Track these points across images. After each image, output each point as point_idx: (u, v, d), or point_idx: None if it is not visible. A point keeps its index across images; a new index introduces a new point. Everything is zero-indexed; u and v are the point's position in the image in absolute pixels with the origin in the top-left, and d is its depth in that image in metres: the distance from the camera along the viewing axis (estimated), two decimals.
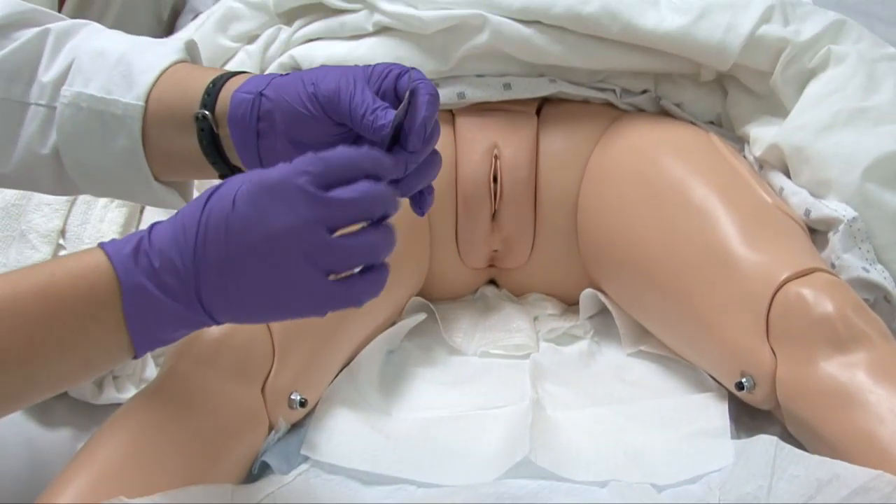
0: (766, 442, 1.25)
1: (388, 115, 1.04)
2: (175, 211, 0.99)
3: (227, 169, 1.15)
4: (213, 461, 1.24)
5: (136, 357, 0.99)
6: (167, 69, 1.16)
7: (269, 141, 1.10)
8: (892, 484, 1.13)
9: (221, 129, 1.12)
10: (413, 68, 1.10)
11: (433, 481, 1.29)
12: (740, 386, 1.37)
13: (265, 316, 1.01)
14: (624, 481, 1.29)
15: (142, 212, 1.54)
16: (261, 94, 1.10)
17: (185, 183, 1.24)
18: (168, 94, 1.15)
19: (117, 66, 1.16)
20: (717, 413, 1.42)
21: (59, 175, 1.19)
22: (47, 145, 1.17)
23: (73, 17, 1.77)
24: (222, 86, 1.13)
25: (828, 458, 1.20)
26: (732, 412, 1.42)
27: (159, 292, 0.95)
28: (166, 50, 1.19)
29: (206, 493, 1.20)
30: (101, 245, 0.98)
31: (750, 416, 1.43)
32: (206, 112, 1.12)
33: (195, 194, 1.25)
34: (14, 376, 0.93)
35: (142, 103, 1.14)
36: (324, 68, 1.11)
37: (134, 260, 0.96)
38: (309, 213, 0.93)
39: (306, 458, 1.32)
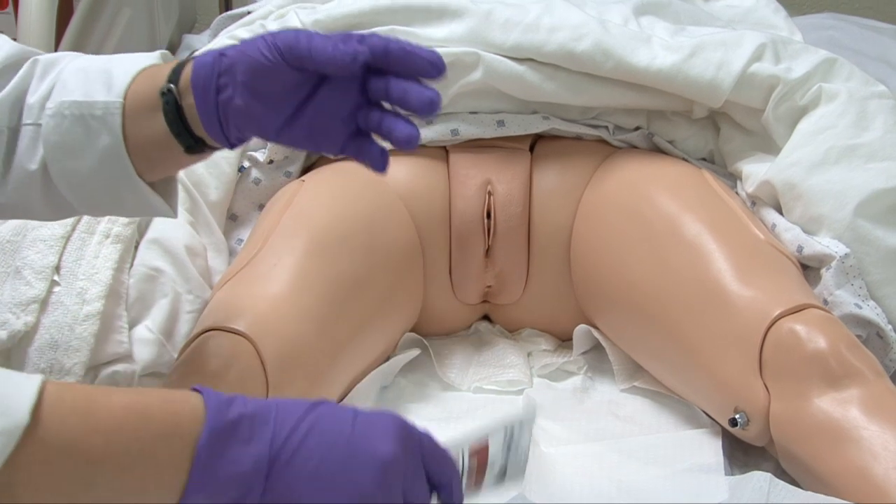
0: (759, 478, 1.25)
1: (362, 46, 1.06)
2: None
3: (191, 140, 1.14)
4: None
5: None
6: (144, 69, 1.18)
7: (228, 93, 1.10)
8: None
9: (185, 101, 1.12)
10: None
11: None
12: (734, 422, 1.37)
13: None
14: None
15: (136, 247, 1.54)
16: (221, 53, 1.11)
17: (170, 189, 1.24)
18: (142, 87, 1.15)
19: (98, 75, 1.17)
20: (710, 449, 1.42)
21: (48, 191, 1.19)
22: (35, 160, 1.17)
23: (76, 36, 1.78)
24: (187, 62, 1.14)
25: (821, 495, 1.20)
26: (726, 448, 1.42)
27: (239, 444, 0.88)
28: (143, 56, 1.21)
29: None
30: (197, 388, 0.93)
31: (743, 451, 1.43)
32: (171, 86, 1.13)
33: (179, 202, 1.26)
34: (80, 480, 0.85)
35: (120, 99, 1.14)
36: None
37: (227, 405, 0.90)
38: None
39: None
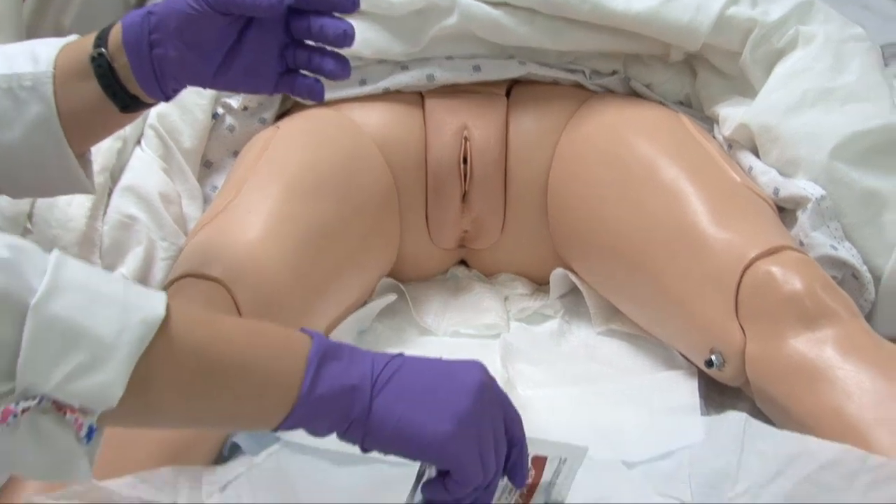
0: (735, 418, 1.26)
1: None
2: None
3: (127, 98, 1.18)
4: (185, 442, 1.24)
5: (277, 428, 0.92)
6: (66, 45, 1.19)
7: (161, 49, 1.14)
8: (860, 458, 1.14)
9: (118, 62, 1.16)
10: None
11: (404, 461, 1.28)
12: (710, 363, 1.37)
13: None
14: (595, 458, 1.29)
15: (109, 195, 1.53)
16: (148, 12, 1.15)
17: (87, 169, 1.25)
18: (68, 57, 1.17)
19: (20, 53, 1.19)
20: (686, 390, 1.43)
21: None
22: None
23: (34, 12, 1.76)
24: (111, 28, 1.17)
25: (796, 434, 1.21)
26: (702, 389, 1.43)
27: (344, 363, 0.93)
28: (62, 38, 1.22)
29: (177, 473, 1.20)
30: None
31: (719, 392, 1.44)
32: (101, 50, 1.16)
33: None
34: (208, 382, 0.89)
35: (51, 69, 1.17)
36: None
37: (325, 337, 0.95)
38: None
39: (277, 439, 1.31)
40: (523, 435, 0.97)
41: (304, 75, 1.20)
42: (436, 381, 0.93)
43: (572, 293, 1.66)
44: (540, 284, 1.70)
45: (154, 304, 0.84)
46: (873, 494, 1.13)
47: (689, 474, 1.26)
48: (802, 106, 1.55)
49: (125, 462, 1.15)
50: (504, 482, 0.98)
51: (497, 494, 0.98)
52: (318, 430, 0.92)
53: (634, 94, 1.71)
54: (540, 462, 1.01)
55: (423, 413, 0.91)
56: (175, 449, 1.22)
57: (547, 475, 1.02)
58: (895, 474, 1.12)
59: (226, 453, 1.31)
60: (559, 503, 1.02)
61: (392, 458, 1.27)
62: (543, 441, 1.00)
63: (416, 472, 0.97)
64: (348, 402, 0.90)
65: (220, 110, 1.71)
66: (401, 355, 0.94)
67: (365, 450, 0.93)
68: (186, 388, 0.86)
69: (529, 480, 1.01)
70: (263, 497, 1.23)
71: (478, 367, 0.95)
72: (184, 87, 1.20)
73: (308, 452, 1.30)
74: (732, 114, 1.63)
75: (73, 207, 1.48)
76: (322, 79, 1.20)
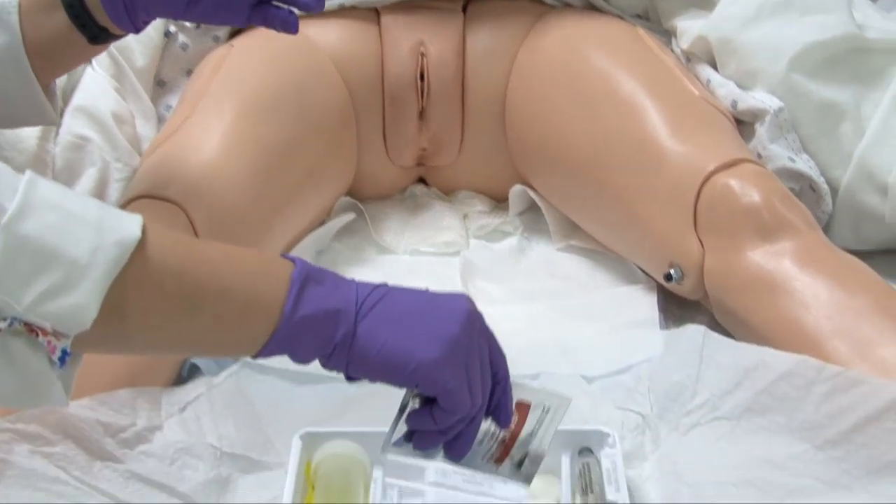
0: (694, 331, 1.27)
1: None
2: None
3: (96, 30, 1.17)
4: (144, 364, 1.23)
5: (259, 353, 0.90)
6: None
7: None
8: (816, 368, 1.15)
9: None
10: None
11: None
12: (669, 277, 1.38)
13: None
14: (554, 373, 1.30)
15: (61, 116, 1.51)
16: None
17: (53, 100, 1.24)
18: None
19: None
20: (646, 304, 1.43)
21: None
22: None
23: None
24: None
25: (754, 345, 1.21)
26: (661, 303, 1.44)
27: (327, 288, 0.91)
28: None
29: (136, 395, 1.19)
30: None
31: (678, 306, 1.45)
32: None
33: None
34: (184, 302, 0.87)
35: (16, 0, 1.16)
36: None
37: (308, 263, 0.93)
38: None
39: (236, 359, 1.31)
40: (507, 373, 0.97)
41: (277, 6, 1.19)
42: (422, 308, 0.92)
43: (531, 210, 1.66)
44: (499, 202, 1.70)
45: (130, 225, 0.82)
46: (829, 404, 1.14)
47: (649, 387, 1.27)
48: (760, 17, 1.54)
49: (83, 384, 1.13)
50: (487, 425, 0.98)
51: (480, 436, 0.97)
52: (300, 355, 0.90)
53: (592, 8, 1.69)
54: (523, 409, 1.00)
55: (410, 338, 0.89)
56: (134, 370, 1.21)
57: (529, 425, 1.01)
58: (851, 384, 1.13)
59: (185, 374, 1.31)
60: (540, 455, 1.02)
61: None
62: (527, 386, 0.99)
63: (382, 394, 0.95)
64: (332, 326, 0.88)
65: (173, 28, 1.68)
66: (385, 284, 0.93)
67: (350, 377, 0.92)
68: (164, 312, 0.84)
69: (512, 426, 1.00)
70: (223, 417, 1.22)
71: (465, 298, 0.94)
72: (154, 18, 1.19)
73: (268, 372, 1.30)
74: (690, 26, 1.61)
75: (24, 129, 1.46)
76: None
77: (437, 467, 1.15)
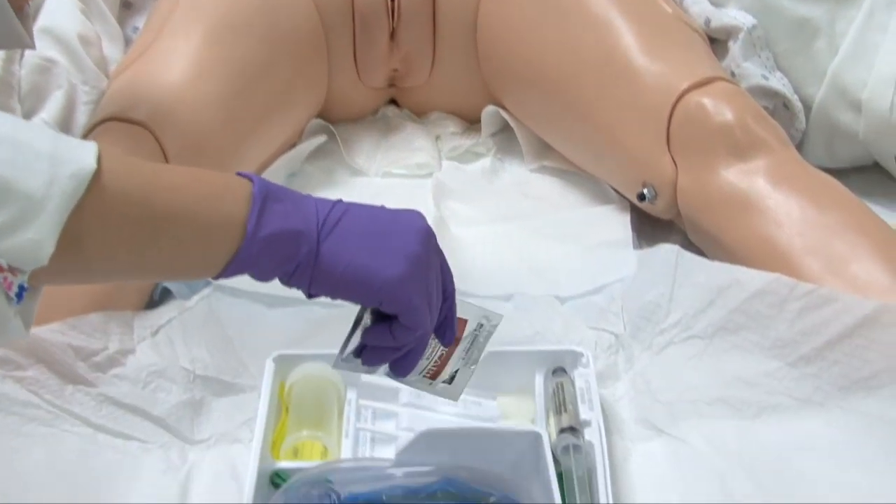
0: (667, 251, 1.27)
1: None
2: None
3: None
4: (115, 288, 1.22)
5: (222, 274, 0.88)
6: None
7: None
8: (789, 286, 1.15)
9: None
10: None
11: (337, 302, 1.28)
12: (642, 196, 1.37)
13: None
14: (528, 294, 1.30)
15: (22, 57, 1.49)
16: None
17: (27, 24, 1.20)
18: None
19: None
20: (619, 224, 1.43)
21: None
22: None
23: None
24: None
25: (727, 264, 1.21)
26: (634, 223, 1.44)
27: (287, 205, 0.88)
28: None
29: (107, 319, 1.19)
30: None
31: (651, 225, 1.45)
32: None
33: None
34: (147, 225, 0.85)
35: None
36: None
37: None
38: None
39: (208, 283, 1.31)
40: (454, 290, 0.96)
41: None
42: (382, 226, 0.90)
43: (504, 131, 1.65)
44: (471, 123, 1.68)
45: (84, 156, 0.79)
46: (802, 322, 1.14)
47: (622, 307, 1.28)
48: None
49: (53, 309, 1.13)
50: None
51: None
52: (263, 274, 0.88)
53: None
54: (461, 324, 1.00)
55: (374, 257, 0.88)
56: (105, 294, 1.21)
57: (465, 340, 1.01)
58: (823, 301, 1.14)
59: (156, 298, 1.30)
60: (470, 372, 1.02)
61: (325, 299, 1.28)
62: (463, 301, 0.99)
63: (353, 315, 0.95)
64: (295, 244, 0.87)
65: None
66: (341, 201, 0.92)
67: (311, 295, 0.91)
68: (124, 241, 0.82)
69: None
70: (196, 341, 1.22)
71: (420, 215, 0.93)
72: None
73: (240, 295, 1.29)
74: None
75: None
76: None
77: (410, 389, 1.15)
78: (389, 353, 0.92)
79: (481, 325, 1.01)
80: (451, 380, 1.01)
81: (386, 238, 0.88)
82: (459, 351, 1.00)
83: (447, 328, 0.95)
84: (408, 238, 0.89)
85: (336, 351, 0.93)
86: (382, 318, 0.90)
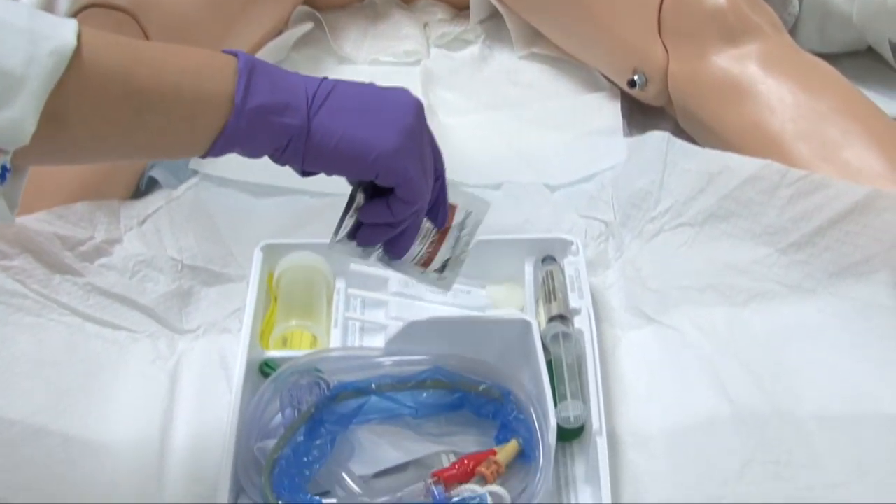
0: (657, 138, 1.26)
1: None
2: None
3: None
4: (101, 176, 1.21)
5: (211, 150, 0.86)
6: None
7: None
8: (780, 172, 1.15)
9: None
10: None
11: (327, 190, 1.27)
12: (633, 83, 1.36)
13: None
14: (517, 182, 1.29)
15: None
16: None
17: None
18: None
19: None
20: (609, 112, 1.42)
21: None
22: None
23: None
24: None
25: (718, 151, 1.21)
26: (625, 110, 1.42)
27: (276, 79, 0.86)
28: None
29: (94, 208, 1.18)
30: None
31: (642, 113, 1.43)
32: None
33: None
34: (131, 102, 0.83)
35: None
36: None
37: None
38: None
39: (195, 172, 1.30)
40: (444, 170, 0.95)
41: None
42: (372, 100, 0.89)
43: (493, 17, 1.62)
44: (460, 9, 1.65)
45: (64, 33, 0.78)
46: (793, 208, 1.14)
47: (612, 195, 1.27)
48: None
49: (36, 198, 1.12)
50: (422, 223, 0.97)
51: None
52: (252, 150, 0.87)
53: None
54: (451, 210, 0.99)
55: (366, 128, 0.86)
56: (90, 183, 1.20)
57: (454, 228, 1.00)
58: (815, 187, 1.13)
59: (143, 187, 1.29)
60: (461, 260, 1.01)
61: (314, 188, 1.27)
62: (453, 187, 0.98)
63: (344, 201, 0.94)
64: (284, 117, 0.85)
65: None
66: (328, 78, 0.90)
67: (305, 172, 0.90)
68: (109, 118, 0.81)
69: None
70: (183, 230, 1.21)
71: (408, 91, 0.91)
72: None
73: (228, 185, 1.29)
74: None
75: None
76: None
77: (399, 278, 1.14)
78: (385, 232, 0.91)
79: (470, 213, 1.00)
80: (442, 269, 1.00)
81: (377, 111, 0.87)
82: (450, 238, 0.99)
83: (440, 209, 0.94)
84: (399, 111, 0.87)
85: (326, 240, 0.93)
86: (378, 195, 0.90)
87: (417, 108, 0.88)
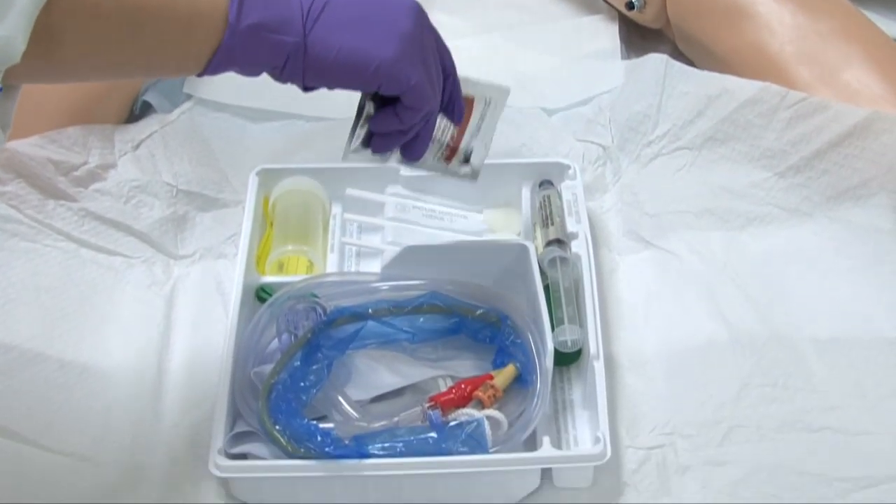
0: (655, 60, 1.25)
1: None
2: None
3: None
4: (95, 99, 1.21)
5: (207, 69, 0.84)
6: None
7: None
8: (780, 94, 1.14)
9: None
10: None
11: (323, 115, 1.26)
12: (630, 5, 1.35)
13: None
14: (514, 106, 1.28)
15: None
16: None
17: None
18: None
19: None
20: (607, 35, 1.40)
21: None
22: None
23: None
24: None
25: (717, 73, 1.20)
26: (623, 33, 1.41)
27: None
28: None
29: (87, 132, 1.17)
30: None
31: (640, 36, 1.42)
32: None
33: None
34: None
35: None
36: None
37: None
38: None
39: (189, 97, 1.28)
40: (454, 66, 0.94)
41: None
42: (368, 9, 0.87)
43: None
44: None
45: None
46: (792, 131, 1.13)
47: (610, 119, 1.26)
48: None
49: (28, 122, 1.11)
50: (438, 120, 0.96)
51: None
52: (249, 68, 0.85)
53: None
54: (468, 104, 0.99)
55: (365, 38, 0.85)
56: (83, 107, 1.19)
57: (474, 118, 1.00)
58: (814, 110, 1.13)
59: (137, 111, 1.28)
60: (485, 149, 1.00)
61: (310, 112, 1.26)
62: (468, 79, 0.97)
63: (340, 129, 0.93)
64: (280, 34, 0.84)
65: None
66: None
67: (307, 88, 0.89)
68: (102, 36, 0.80)
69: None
70: (178, 155, 1.21)
71: None
72: None
73: (223, 109, 1.28)
74: None
75: None
76: None
77: (396, 203, 1.14)
78: (398, 138, 0.91)
79: (489, 101, 0.99)
80: (466, 160, 1.00)
81: (375, 20, 0.86)
82: (471, 129, 0.99)
83: (454, 105, 0.94)
84: (398, 17, 0.86)
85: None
86: (386, 103, 0.89)
87: (416, 12, 0.87)
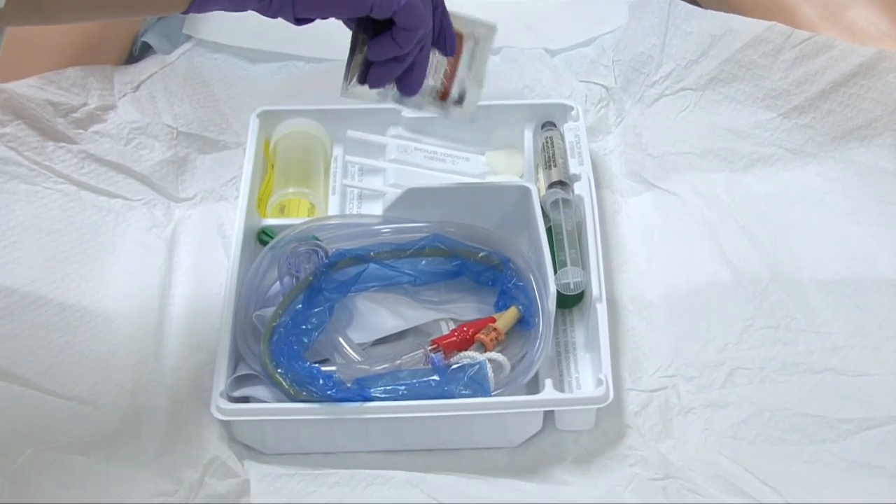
0: (659, 0, 1.23)
1: None
2: None
3: None
4: (95, 39, 1.20)
5: (189, 9, 0.83)
6: None
7: None
8: (785, 34, 1.13)
9: None
10: None
11: (322, 56, 1.25)
12: None
13: None
14: (516, 47, 1.27)
15: None
16: None
17: None
18: None
19: None
20: None
21: None
22: None
23: None
24: None
25: (721, 13, 1.18)
26: None
27: None
28: None
29: (87, 74, 1.16)
30: None
31: None
32: None
33: None
34: None
35: None
36: None
37: None
38: None
39: (189, 38, 1.27)
40: None
41: None
42: None
43: None
44: None
45: None
46: (796, 70, 1.12)
47: (613, 59, 1.25)
48: None
49: (25, 63, 1.11)
50: (431, 57, 0.96)
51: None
52: (235, 3, 0.84)
53: None
54: (458, 38, 0.98)
55: None
56: (82, 47, 1.18)
57: (465, 55, 0.99)
58: (819, 49, 1.12)
59: (136, 52, 1.27)
60: (478, 86, 1.00)
61: (309, 53, 1.26)
62: (456, 14, 0.96)
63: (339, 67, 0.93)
64: None
65: None
66: None
67: (298, 20, 0.87)
68: None
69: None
70: (178, 97, 1.20)
71: None
72: None
73: (222, 50, 1.27)
74: None
75: None
76: None
77: (397, 144, 1.13)
78: (395, 68, 0.90)
79: (477, 38, 0.99)
80: (461, 100, 0.99)
81: None
82: (463, 66, 0.98)
83: (446, 36, 0.93)
84: None
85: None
86: (379, 33, 0.88)
87: None
